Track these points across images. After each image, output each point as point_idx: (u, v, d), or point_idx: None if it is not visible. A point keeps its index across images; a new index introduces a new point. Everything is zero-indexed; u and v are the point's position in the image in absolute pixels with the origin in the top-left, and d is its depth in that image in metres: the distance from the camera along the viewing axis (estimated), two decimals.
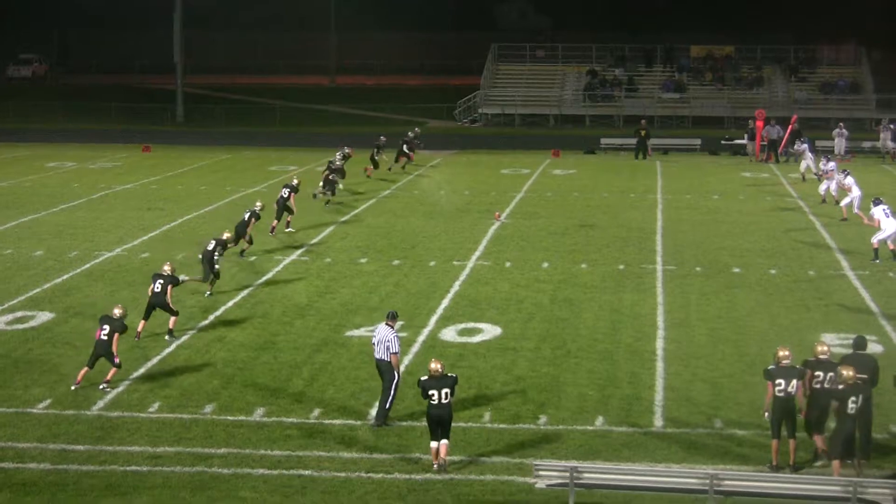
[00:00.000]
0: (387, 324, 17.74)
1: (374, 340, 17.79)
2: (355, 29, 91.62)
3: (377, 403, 17.86)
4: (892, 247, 28.56)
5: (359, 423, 17.70)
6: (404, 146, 45.97)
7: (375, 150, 44.42)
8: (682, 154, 52.49)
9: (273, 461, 16.26)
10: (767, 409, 16.09)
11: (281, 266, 28.32)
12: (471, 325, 22.99)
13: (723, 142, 53.73)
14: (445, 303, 24.69)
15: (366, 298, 25.12)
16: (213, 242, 25.15)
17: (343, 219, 34.97)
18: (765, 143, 50.05)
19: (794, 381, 15.93)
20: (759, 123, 50.42)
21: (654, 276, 27.16)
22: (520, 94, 69.11)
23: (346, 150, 41.45)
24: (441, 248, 30.40)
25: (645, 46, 72.57)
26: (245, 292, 25.66)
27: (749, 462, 16.25)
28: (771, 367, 16.17)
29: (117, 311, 19.36)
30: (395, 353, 17.58)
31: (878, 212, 28.76)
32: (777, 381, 15.93)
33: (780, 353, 16.09)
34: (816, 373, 16.19)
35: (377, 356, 17.64)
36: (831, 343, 20.02)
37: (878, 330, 22.36)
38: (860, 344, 17.24)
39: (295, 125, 67.08)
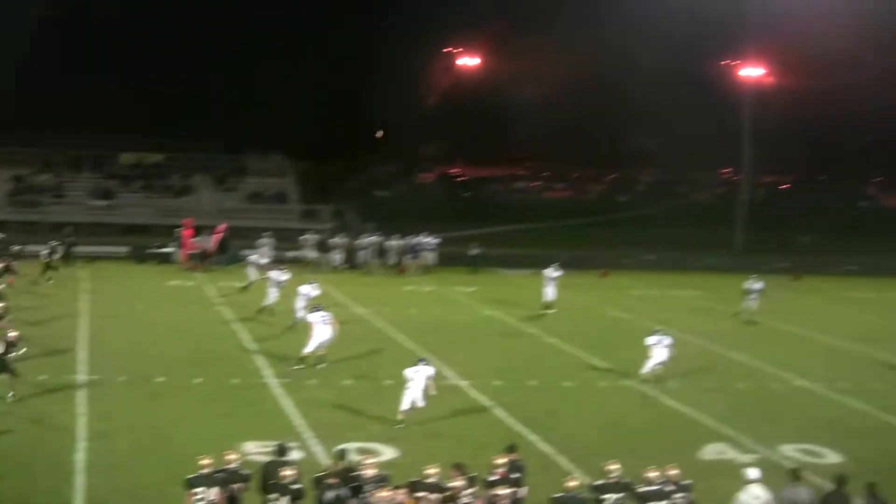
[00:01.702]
0: None
1: None
2: None
3: None
4: (319, 353, 29.57)
5: None
6: None
7: None
8: (109, 262, 51.73)
9: None
10: None
11: None
12: None
13: (150, 250, 53.58)
14: None
15: None
16: None
17: None
18: (194, 251, 50.55)
19: (216, 489, 15.91)
20: (187, 232, 50.88)
21: (73, 387, 26.28)
22: None
23: None
24: None
25: (73, 152, 71.17)
26: None
27: None
28: (191, 476, 16.06)
29: None
30: None
31: (315, 317, 29.70)
32: (194, 490, 15.87)
33: (203, 462, 16.05)
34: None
35: None
36: (253, 451, 20.24)
37: (299, 437, 22.89)
38: (282, 451, 17.57)
39: None
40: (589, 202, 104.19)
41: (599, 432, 24.36)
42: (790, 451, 23.14)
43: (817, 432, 24.83)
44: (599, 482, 16.97)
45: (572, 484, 16.58)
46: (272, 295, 37.61)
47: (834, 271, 59.58)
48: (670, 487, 16.77)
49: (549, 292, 40.55)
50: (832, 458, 22.71)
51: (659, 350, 29.19)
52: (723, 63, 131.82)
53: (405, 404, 23.96)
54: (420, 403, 24.01)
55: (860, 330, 39.68)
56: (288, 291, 36.84)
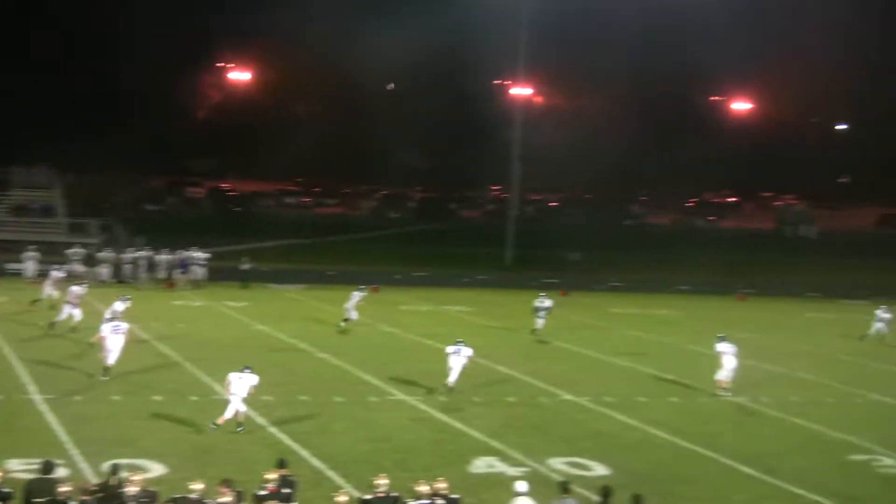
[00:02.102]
0: None
1: None
2: None
3: None
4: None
5: None
6: None
7: None
8: None
9: None
10: None
11: None
12: None
13: None
14: None
15: None
16: None
17: None
18: None
19: None
20: None
21: None
22: None
23: None
24: None
25: None
26: None
27: None
28: None
29: None
30: None
31: (107, 328, 29.50)
32: None
33: None
34: None
35: None
36: (17, 468, 19.28)
37: (65, 455, 21.88)
38: (48, 468, 16.95)
39: None
40: (360, 218, 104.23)
41: (370, 447, 24.09)
42: (558, 465, 23.32)
43: (585, 445, 25.14)
44: (368, 497, 16.76)
45: (342, 499, 16.36)
46: (66, 309, 36.88)
47: (600, 288, 61.03)
48: (439, 501, 16.67)
49: (352, 312, 40.20)
50: (599, 470, 22.98)
51: (456, 360, 29.54)
52: (495, 82, 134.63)
53: (229, 413, 24.30)
54: (242, 409, 24.39)
55: (626, 345, 40.60)
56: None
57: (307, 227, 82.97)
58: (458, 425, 26.56)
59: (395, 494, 16.84)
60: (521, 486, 17.03)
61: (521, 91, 78.32)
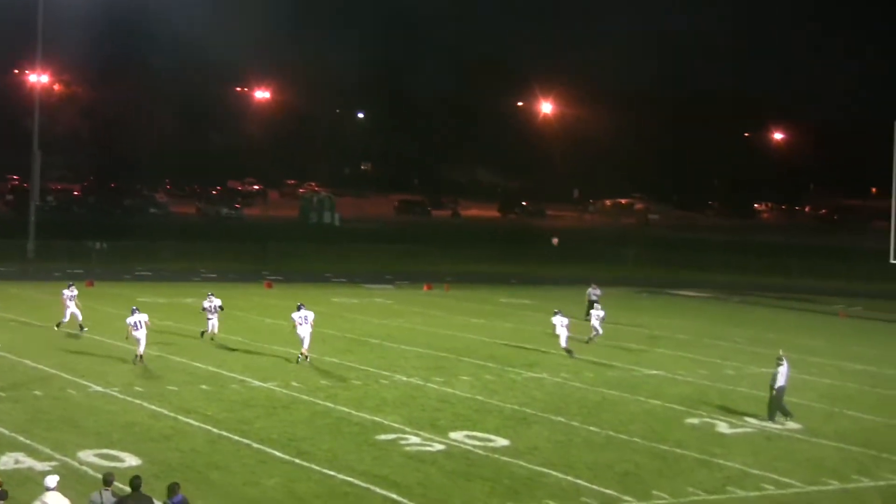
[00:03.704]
0: None
1: None
2: None
3: None
4: None
5: None
6: None
7: None
8: None
9: None
10: None
11: None
12: None
13: None
14: None
15: None
16: None
17: None
18: None
19: None
20: None
21: None
22: None
23: None
24: None
25: None
26: None
27: None
28: None
29: None
30: None
31: None
32: None
33: None
34: None
35: None
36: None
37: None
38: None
39: None
40: None
41: None
42: (89, 457, 22.85)
43: (117, 437, 24.77)
44: None
45: None
46: None
47: (127, 278, 60.06)
48: None
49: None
50: (131, 461, 22.70)
51: None
52: (15, 71, 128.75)
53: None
54: None
55: (153, 336, 39.86)
56: None
57: None
58: None
59: None
60: (51, 480, 16.63)
61: (39, 79, 75.75)
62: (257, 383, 31.88)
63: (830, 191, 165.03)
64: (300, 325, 35.44)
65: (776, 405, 29.26)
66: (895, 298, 59.16)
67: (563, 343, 39.24)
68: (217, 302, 39.28)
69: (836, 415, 30.82)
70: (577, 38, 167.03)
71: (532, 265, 78.81)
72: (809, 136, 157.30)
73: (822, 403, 32.32)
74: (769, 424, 28.83)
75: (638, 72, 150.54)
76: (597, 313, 43.00)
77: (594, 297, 49.66)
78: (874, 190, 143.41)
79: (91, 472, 21.60)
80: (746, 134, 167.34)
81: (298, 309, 35.81)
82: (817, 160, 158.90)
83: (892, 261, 57.10)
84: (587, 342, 41.58)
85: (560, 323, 39.37)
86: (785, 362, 29.69)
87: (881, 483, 23.79)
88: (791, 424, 28.90)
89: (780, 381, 29.20)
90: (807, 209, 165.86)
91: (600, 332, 42.36)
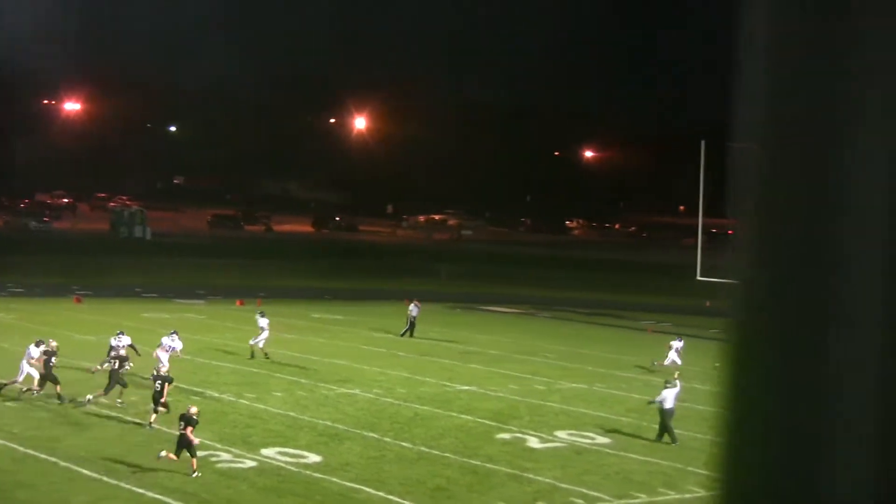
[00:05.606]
0: None
1: None
2: None
3: None
4: None
5: None
6: None
7: None
8: None
9: None
10: None
11: None
12: None
13: None
14: None
15: None
16: None
17: None
18: None
19: None
20: None
21: None
22: None
23: None
24: None
25: None
26: None
27: None
28: None
29: None
30: None
31: None
32: None
33: None
34: None
35: None
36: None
37: None
38: None
39: None
40: None
41: None
42: None
43: None
44: None
45: None
46: None
47: None
48: None
49: None
50: None
51: None
52: None
53: None
54: None
55: None
56: None
57: None
58: None
59: None
60: None
61: None
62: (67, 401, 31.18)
63: (641, 208, 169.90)
64: (167, 351, 34.82)
65: (663, 427, 29.74)
66: (702, 314, 61.26)
67: (261, 344, 41.01)
68: (126, 341, 36.69)
69: (645, 429, 31.82)
70: (393, 53, 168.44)
71: (346, 280, 78.99)
72: (621, 154, 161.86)
73: (629, 417, 33.29)
74: (579, 440, 29.57)
75: (456, 88, 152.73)
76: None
77: (413, 315, 50.45)
78: (682, 208, 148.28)
79: None
80: (557, 153, 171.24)
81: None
82: (628, 177, 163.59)
83: (699, 277, 59.01)
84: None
85: (265, 324, 41.17)
86: (677, 384, 30.35)
87: (686, 496, 24.66)
88: (600, 439, 29.72)
89: (669, 403, 29.76)
90: (617, 226, 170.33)
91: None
